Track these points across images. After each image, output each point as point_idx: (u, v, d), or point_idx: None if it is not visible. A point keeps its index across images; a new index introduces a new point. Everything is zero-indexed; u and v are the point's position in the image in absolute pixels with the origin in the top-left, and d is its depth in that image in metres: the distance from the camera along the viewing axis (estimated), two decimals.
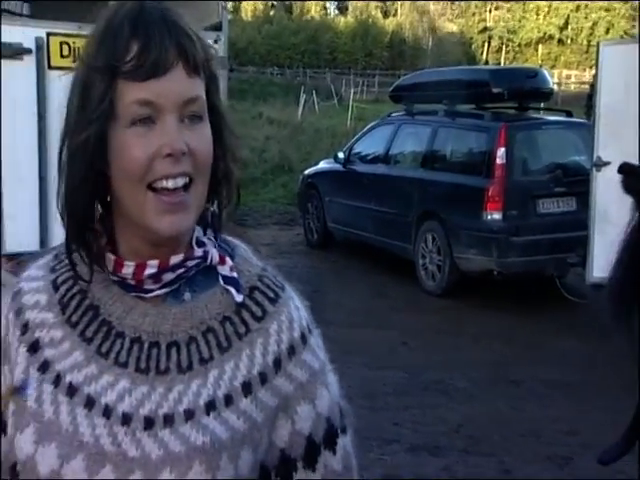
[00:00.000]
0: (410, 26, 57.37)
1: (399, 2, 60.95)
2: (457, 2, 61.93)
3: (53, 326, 0.83)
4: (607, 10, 55.69)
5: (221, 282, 0.84)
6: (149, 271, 0.81)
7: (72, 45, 3.91)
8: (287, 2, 59.40)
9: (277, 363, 0.83)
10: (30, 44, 3.92)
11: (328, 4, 65.03)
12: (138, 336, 0.81)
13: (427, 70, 12.50)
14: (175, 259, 0.81)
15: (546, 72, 8.24)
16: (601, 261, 5.58)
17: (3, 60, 3.85)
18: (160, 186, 0.77)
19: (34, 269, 0.88)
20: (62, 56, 3.94)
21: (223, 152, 0.83)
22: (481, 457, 3.69)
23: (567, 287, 6.27)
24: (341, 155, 8.10)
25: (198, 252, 0.83)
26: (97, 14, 0.80)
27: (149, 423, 0.78)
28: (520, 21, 60.03)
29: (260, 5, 57.88)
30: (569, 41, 59.23)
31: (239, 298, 0.83)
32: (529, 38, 59.44)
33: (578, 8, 58.68)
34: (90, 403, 0.79)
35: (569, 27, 59.15)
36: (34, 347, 0.82)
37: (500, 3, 61.49)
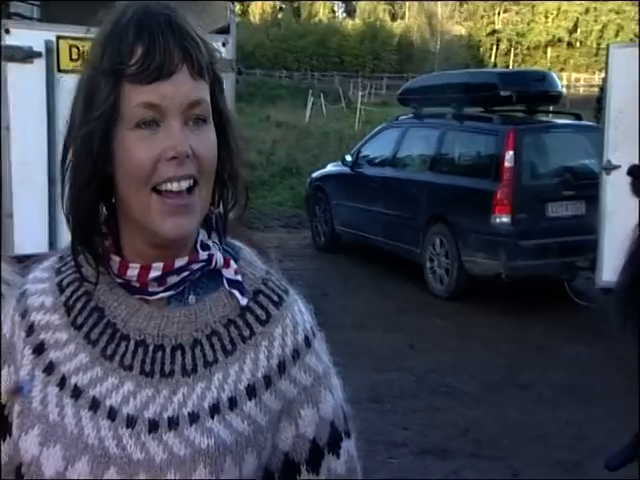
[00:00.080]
0: (418, 29, 57.38)
1: (407, 5, 60.99)
2: (465, 5, 61.89)
3: (58, 328, 0.83)
4: (617, 13, 55.46)
5: (226, 285, 0.84)
6: (153, 274, 0.81)
7: (81, 48, 3.94)
8: (295, 5, 59.55)
9: (281, 366, 0.83)
10: (40, 47, 3.94)
11: (336, 7, 65.17)
12: (143, 339, 0.82)
13: (435, 73, 12.52)
14: (180, 262, 0.81)
15: (555, 75, 8.21)
16: (610, 265, 5.54)
17: (14, 63, 3.88)
18: (164, 188, 0.77)
19: (39, 271, 0.88)
20: (71, 59, 3.97)
21: (228, 155, 0.83)
22: (489, 461, 3.68)
23: (576, 291, 6.24)
24: (349, 158, 8.10)
25: (203, 255, 0.83)
26: (101, 16, 0.80)
27: (154, 426, 0.78)
28: (529, 24, 59.87)
29: (268, 8, 58.05)
30: (578, 44, 59.02)
31: (244, 301, 0.83)
32: (538, 41, 59.27)
33: (587, 11, 58.48)
34: (95, 405, 0.79)
35: (578, 30, 58.95)
36: (39, 349, 0.83)
37: (509, 6, 61.39)
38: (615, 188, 5.27)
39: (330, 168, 8.80)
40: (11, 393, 0.83)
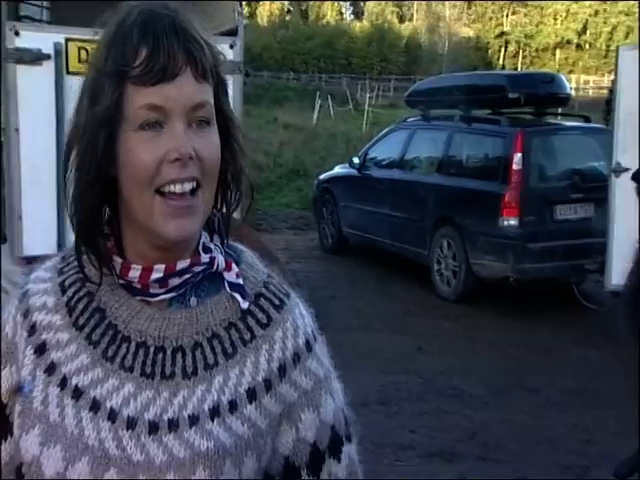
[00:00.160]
0: (426, 31, 57.33)
1: (415, 6, 60.94)
2: (473, 6, 61.77)
3: (60, 328, 0.83)
4: (627, 14, 55.17)
5: (227, 288, 0.84)
6: (155, 275, 0.81)
7: (90, 50, 3.95)
8: (303, 7, 59.64)
9: (282, 370, 0.83)
10: (49, 49, 3.96)
11: (344, 9, 65.23)
12: (144, 340, 0.82)
13: (443, 75, 12.49)
14: (181, 264, 0.81)
15: (563, 77, 8.18)
16: (620, 268, 5.51)
17: (23, 66, 3.90)
18: (167, 190, 0.78)
19: (42, 271, 0.88)
20: (80, 61, 3.99)
21: (231, 157, 0.83)
22: (497, 464, 3.66)
23: (585, 294, 6.20)
24: (356, 160, 8.09)
25: (204, 258, 0.83)
26: (106, 17, 0.80)
27: (154, 428, 0.79)
28: (537, 26, 59.67)
29: (276, 10, 58.18)
30: (587, 46, 58.76)
31: (245, 305, 0.83)
32: (546, 43, 59.06)
33: (597, 13, 58.21)
34: (95, 406, 0.80)
35: (587, 32, 58.68)
36: (41, 349, 0.83)
37: (517, 8, 61.20)
38: (624, 191, 5.24)
39: (337, 170, 8.81)
40: (12, 393, 0.83)
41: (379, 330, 5.71)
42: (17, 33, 3.88)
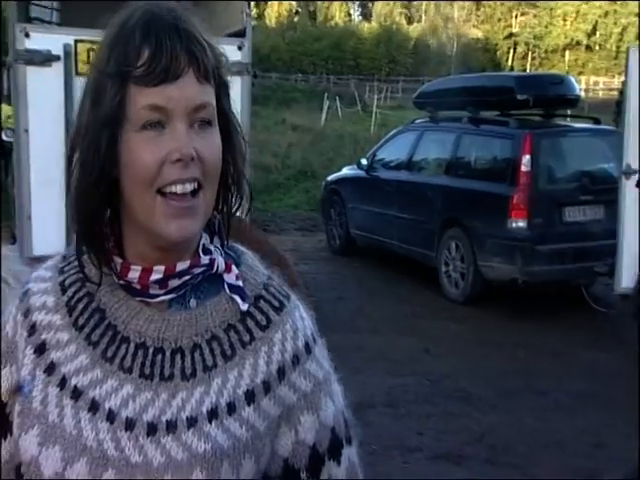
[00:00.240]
0: (434, 32, 57.24)
1: (423, 7, 60.86)
2: (482, 8, 61.62)
3: (60, 328, 0.83)
4: (637, 15, 54.87)
5: (227, 290, 0.84)
6: (155, 276, 0.81)
7: None
8: (311, 8, 59.70)
9: (281, 372, 0.82)
10: (58, 51, 3.98)
11: (352, 10, 65.24)
12: (143, 341, 0.82)
13: (451, 76, 12.46)
14: (181, 265, 0.81)
15: (573, 78, 8.13)
16: (629, 271, 5.47)
17: (33, 67, 3.93)
18: (169, 191, 0.78)
19: (42, 270, 0.89)
20: (89, 62, 4.01)
21: (233, 158, 0.83)
22: (505, 468, 3.64)
23: (594, 297, 6.16)
24: (364, 161, 8.08)
25: (204, 259, 0.83)
26: (109, 18, 0.80)
27: (152, 429, 0.79)
28: (547, 27, 59.43)
29: (284, 11, 58.28)
30: (597, 47, 58.48)
31: (244, 307, 0.83)
32: (556, 44, 58.82)
33: (607, 14, 57.91)
34: (94, 407, 0.80)
35: (597, 33, 58.40)
36: (41, 349, 0.83)
37: (526, 9, 60.99)
38: (635, 193, 5.21)
39: (345, 171, 8.80)
40: (12, 392, 0.83)
41: (386, 332, 5.69)
42: (27, 35, 3.91)
